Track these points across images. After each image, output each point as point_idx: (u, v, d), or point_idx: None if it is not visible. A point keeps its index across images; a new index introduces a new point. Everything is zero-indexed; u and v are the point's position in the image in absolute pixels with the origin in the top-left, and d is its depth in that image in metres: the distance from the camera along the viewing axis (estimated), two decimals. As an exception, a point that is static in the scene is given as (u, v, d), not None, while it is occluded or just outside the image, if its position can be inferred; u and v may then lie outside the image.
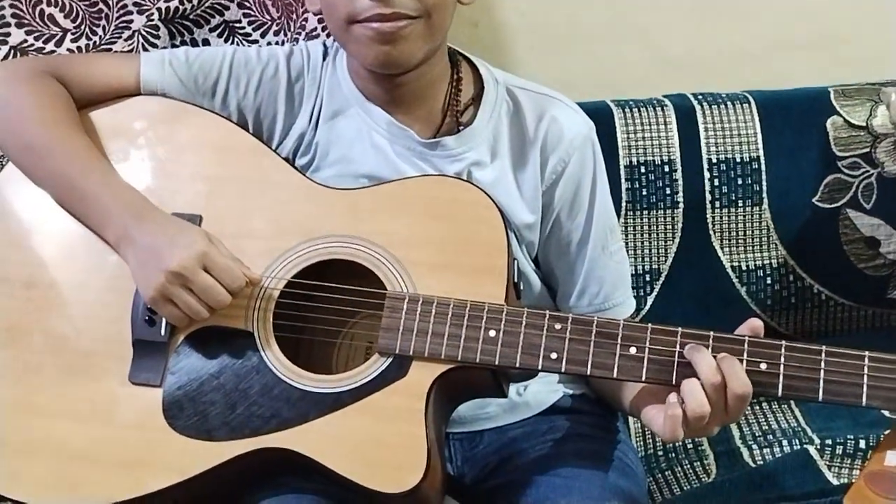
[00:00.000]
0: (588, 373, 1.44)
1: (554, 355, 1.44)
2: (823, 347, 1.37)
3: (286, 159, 1.67)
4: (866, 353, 1.36)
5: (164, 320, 1.53)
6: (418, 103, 1.67)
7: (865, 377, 1.35)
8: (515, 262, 1.54)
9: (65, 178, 1.57)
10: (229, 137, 1.65)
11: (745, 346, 1.39)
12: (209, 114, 1.67)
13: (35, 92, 1.61)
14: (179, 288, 1.47)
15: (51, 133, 1.58)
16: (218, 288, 1.48)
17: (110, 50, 2.03)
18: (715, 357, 1.37)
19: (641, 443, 2.01)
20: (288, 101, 1.70)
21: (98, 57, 1.93)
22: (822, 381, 1.36)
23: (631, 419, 1.95)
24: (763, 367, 1.37)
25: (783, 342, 1.38)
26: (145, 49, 2.03)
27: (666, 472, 1.92)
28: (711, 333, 1.41)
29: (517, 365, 1.45)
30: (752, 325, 1.42)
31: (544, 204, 1.68)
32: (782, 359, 1.37)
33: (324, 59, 1.72)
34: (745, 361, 1.37)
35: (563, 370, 1.45)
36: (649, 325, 1.43)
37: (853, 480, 1.77)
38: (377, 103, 1.67)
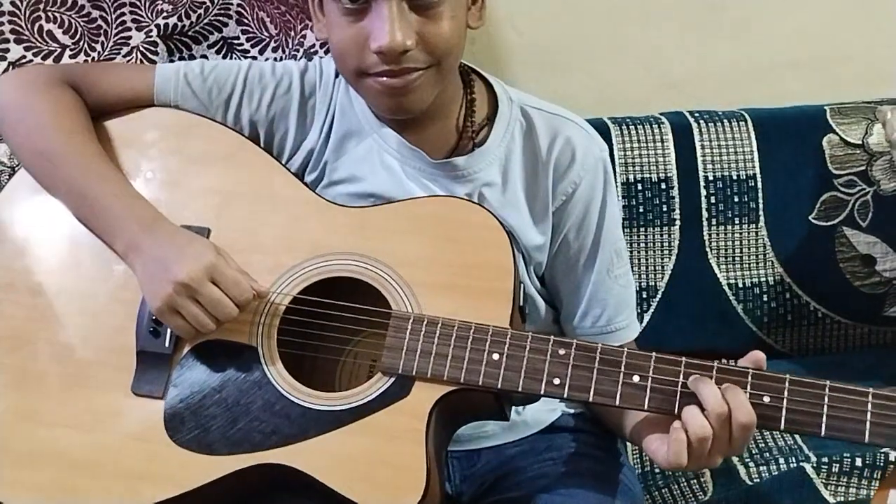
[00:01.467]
0: (590, 399, 1.43)
1: (557, 380, 1.44)
2: (827, 383, 1.37)
3: (296, 175, 1.67)
4: (870, 390, 1.35)
5: (168, 332, 1.53)
6: (430, 124, 1.66)
7: (868, 414, 1.34)
8: (522, 285, 1.53)
9: (77, 187, 1.57)
10: (240, 152, 1.66)
11: (749, 378, 1.38)
12: (221, 127, 1.67)
13: (51, 99, 1.61)
14: (187, 299, 1.47)
15: (65, 141, 1.58)
16: (225, 300, 1.47)
17: (109, 66, 2.03)
18: (719, 387, 1.37)
19: (638, 461, 2.01)
20: (300, 116, 1.70)
21: (113, 66, 1.94)
22: (824, 417, 1.35)
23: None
24: (766, 399, 1.37)
25: (787, 376, 1.38)
26: (143, 65, 2.03)
27: (663, 490, 1.92)
28: (715, 364, 1.41)
29: (519, 389, 1.45)
30: (755, 358, 1.41)
31: (553, 224, 1.68)
32: (786, 393, 1.37)
33: (336, 76, 1.70)
34: (748, 394, 1.37)
35: (565, 396, 1.44)
36: (653, 353, 1.43)
37: (849, 498, 1.80)
38: (389, 124, 1.66)
